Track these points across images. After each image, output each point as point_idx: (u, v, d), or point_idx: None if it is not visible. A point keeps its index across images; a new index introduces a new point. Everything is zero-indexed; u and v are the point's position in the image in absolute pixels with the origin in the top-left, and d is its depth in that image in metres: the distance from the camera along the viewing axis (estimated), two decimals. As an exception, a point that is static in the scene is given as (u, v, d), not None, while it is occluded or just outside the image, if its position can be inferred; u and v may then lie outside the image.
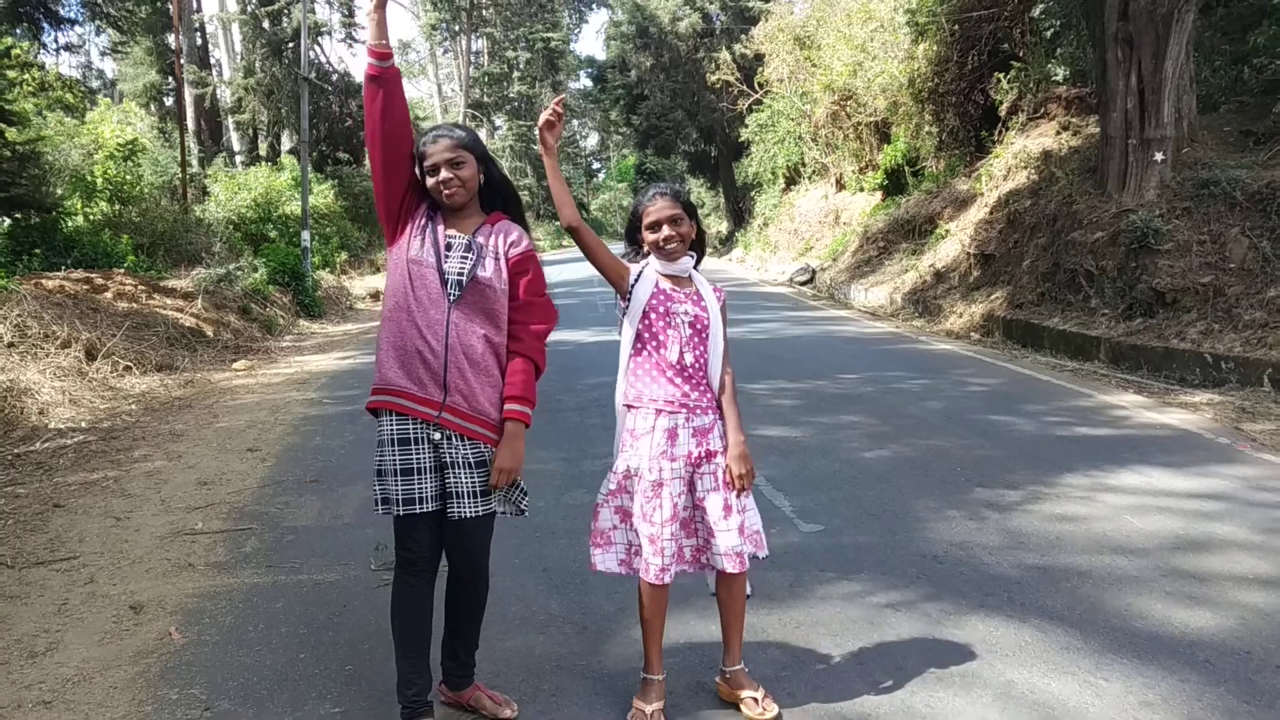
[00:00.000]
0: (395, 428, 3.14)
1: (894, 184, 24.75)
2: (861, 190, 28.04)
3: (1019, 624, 4.06)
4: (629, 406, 3.38)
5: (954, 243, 18.10)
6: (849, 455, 6.97)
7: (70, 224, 18.77)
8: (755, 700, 3.33)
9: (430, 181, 3.19)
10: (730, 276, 29.42)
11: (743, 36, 37.14)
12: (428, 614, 3.26)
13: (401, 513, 3.13)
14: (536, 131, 3.36)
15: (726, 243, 44.47)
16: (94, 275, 15.22)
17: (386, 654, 3.87)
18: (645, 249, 3.43)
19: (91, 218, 19.95)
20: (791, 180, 35.73)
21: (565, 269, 30.25)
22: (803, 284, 24.64)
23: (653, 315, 3.34)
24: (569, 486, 6.25)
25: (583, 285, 22.45)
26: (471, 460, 3.15)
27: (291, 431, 8.38)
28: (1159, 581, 4.51)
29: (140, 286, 15.31)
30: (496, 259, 3.21)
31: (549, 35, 58.81)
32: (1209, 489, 5.99)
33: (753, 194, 40.86)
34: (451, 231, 3.23)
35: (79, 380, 10.34)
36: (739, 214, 45.19)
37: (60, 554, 5.29)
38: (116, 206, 20.64)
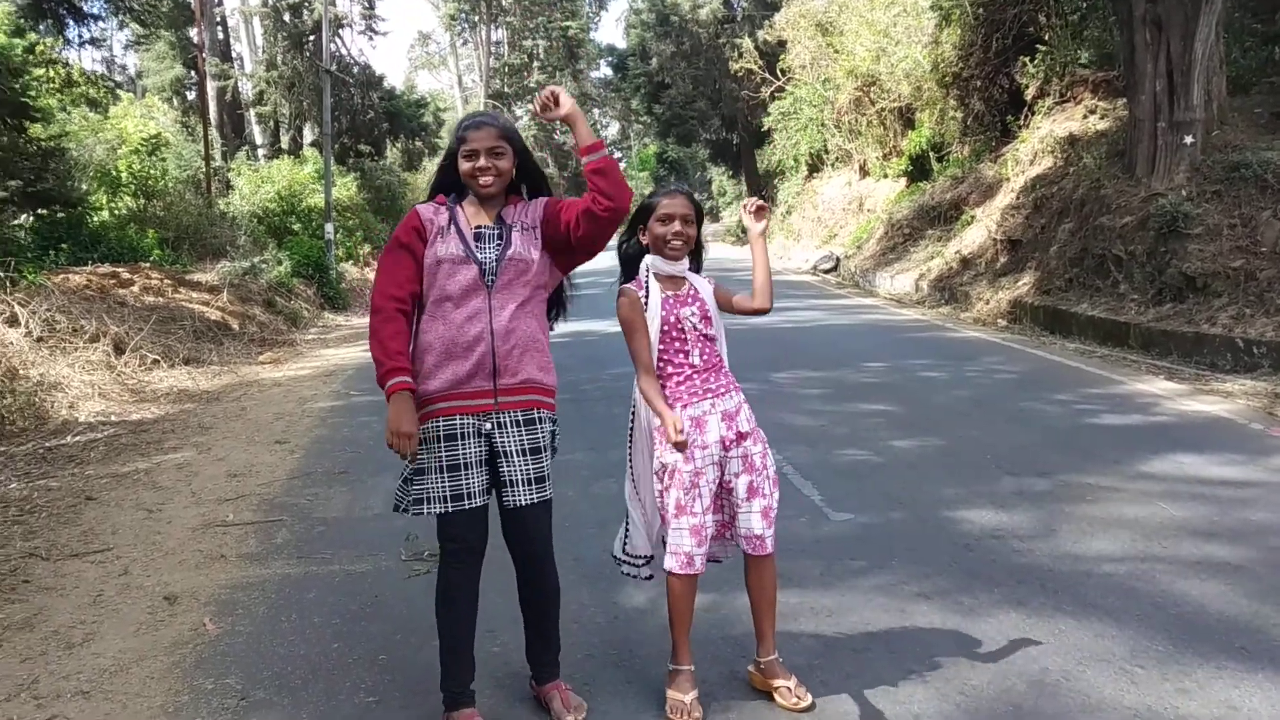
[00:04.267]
0: (442, 425, 3.13)
1: (919, 170, 24.60)
2: (885, 177, 27.89)
3: (1052, 611, 4.02)
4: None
5: (980, 229, 17.97)
6: (877, 444, 6.94)
7: (96, 219, 18.90)
8: (789, 689, 3.33)
9: (466, 166, 3.19)
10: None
11: (764, 23, 36.95)
12: (473, 606, 3.27)
13: (451, 510, 3.13)
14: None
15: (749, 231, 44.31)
16: (120, 269, 15.35)
17: (420, 644, 3.90)
18: (644, 241, 3.42)
19: (117, 212, 20.08)
20: (814, 168, 35.58)
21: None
22: (827, 272, 24.54)
23: (667, 326, 3.35)
24: (597, 476, 6.25)
25: (607, 275, 22.39)
26: (526, 447, 3.16)
27: (319, 424, 8.42)
28: (1194, 568, 4.47)
29: (166, 280, 15.41)
30: (523, 230, 3.23)
31: (568, 24, 58.71)
32: (1242, 476, 5.92)
33: (775, 182, 40.70)
34: (477, 222, 3.23)
35: (107, 374, 10.41)
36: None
37: (94, 546, 5.34)
38: (141, 201, 20.77)
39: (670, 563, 3.30)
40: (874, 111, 28.22)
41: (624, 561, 3.52)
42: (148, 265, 16.47)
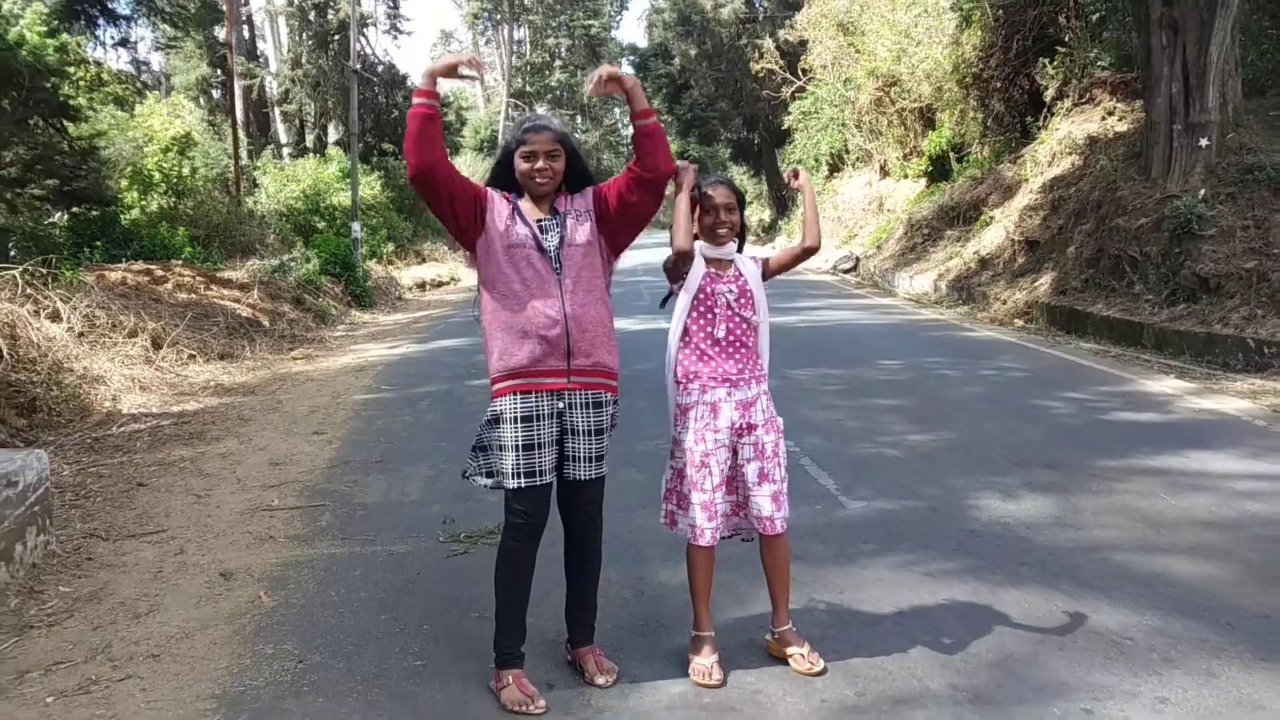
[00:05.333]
0: (520, 405, 3.43)
1: (939, 170, 24.78)
2: (906, 177, 28.06)
3: (1050, 591, 4.30)
4: (679, 383, 3.68)
5: (999, 229, 18.16)
6: (891, 437, 7.21)
7: (128, 217, 19.34)
8: (802, 655, 3.61)
9: (524, 167, 3.47)
10: (773, 264, 29.50)
11: (785, 23, 37.13)
12: (530, 574, 3.59)
13: (524, 485, 3.44)
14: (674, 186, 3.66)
15: (769, 230, 44.55)
16: (154, 266, 15.74)
17: (460, 616, 4.20)
18: (694, 230, 3.70)
19: (148, 210, 20.52)
20: (835, 167, 35.77)
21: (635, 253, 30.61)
22: (846, 272, 24.76)
23: (701, 295, 3.63)
24: (621, 466, 6.51)
25: (628, 274, 22.71)
26: (592, 428, 3.48)
27: (353, 416, 8.75)
28: (1188, 554, 4.73)
29: (198, 277, 15.79)
30: (577, 219, 3.52)
31: (590, 23, 59.05)
32: (1245, 470, 6.16)
33: (796, 181, 40.91)
34: (535, 216, 3.53)
35: (147, 368, 10.76)
36: (782, 201, 45.23)
37: (149, 528, 5.67)
38: (172, 199, 21.21)
39: (689, 535, 3.60)
40: (894, 111, 28.39)
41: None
42: (179, 263, 16.87)
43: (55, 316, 10.75)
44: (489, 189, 3.58)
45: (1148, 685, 3.46)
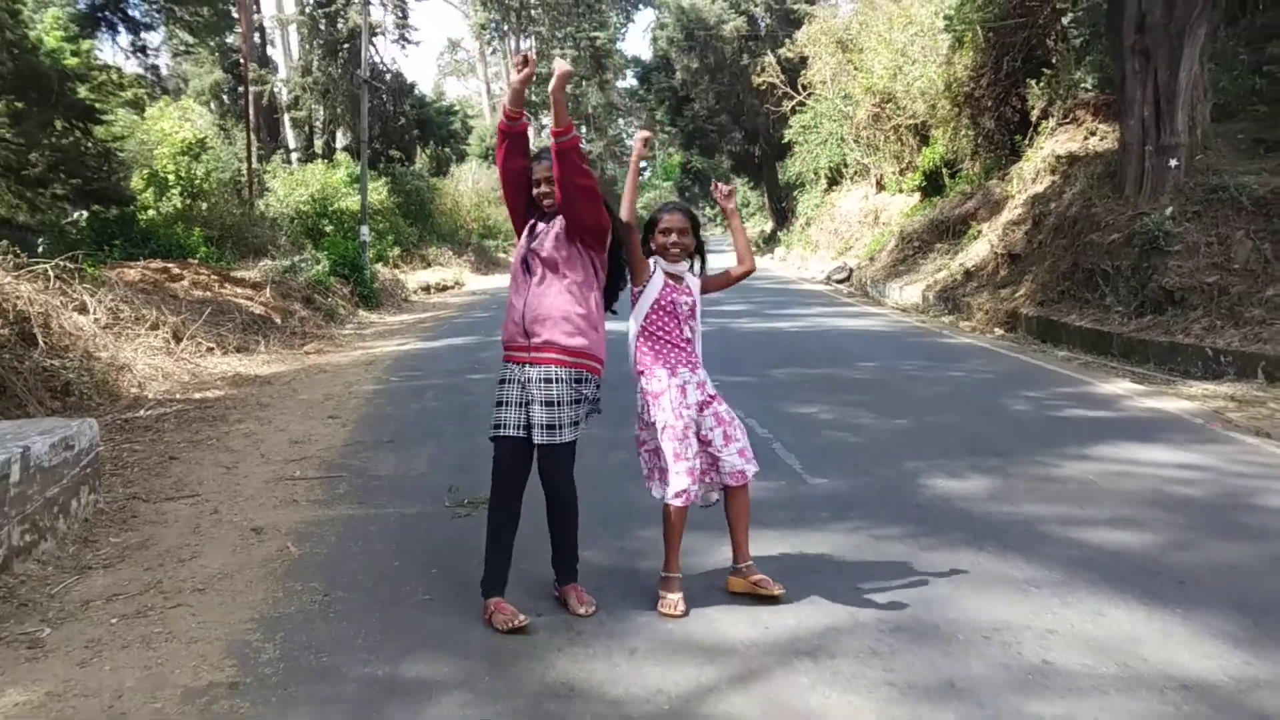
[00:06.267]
0: (503, 371, 4.29)
1: (932, 185, 25.49)
2: (901, 191, 28.77)
3: (976, 551, 4.96)
4: (640, 373, 4.39)
5: (984, 243, 18.85)
6: (856, 427, 7.88)
7: (145, 217, 20.04)
8: (768, 580, 4.33)
9: (535, 191, 4.29)
10: (770, 275, 30.22)
11: (786, 40, 37.88)
12: (512, 522, 4.29)
13: (491, 434, 4.24)
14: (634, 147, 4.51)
15: (769, 241, 45.25)
16: (170, 265, 16.42)
17: (462, 564, 4.84)
18: (654, 247, 4.38)
19: (164, 211, 21.23)
20: (834, 180, 36.50)
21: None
22: (840, 282, 25.43)
23: (664, 303, 4.35)
24: (613, 448, 7.17)
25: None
26: (545, 399, 4.16)
27: (365, 403, 9.41)
28: (1103, 525, 5.38)
29: (213, 276, 16.47)
30: (555, 236, 4.23)
31: (596, 34, 59.71)
32: (1170, 458, 6.82)
33: (795, 194, 41.66)
34: (540, 225, 4.29)
35: (168, 359, 11.44)
36: (782, 213, 45.96)
37: (185, 492, 6.32)
38: (187, 201, 21.92)
39: (673, 498, 4.26)
40: (891, 127, 29.12)
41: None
42: (195, 262, 17.55)
43: (82, 309, 11.41)
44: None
45: (1041, 621, 4.11)
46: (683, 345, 4.38)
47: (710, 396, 4.37)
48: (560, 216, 4.25)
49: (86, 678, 3.76)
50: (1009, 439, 7.42)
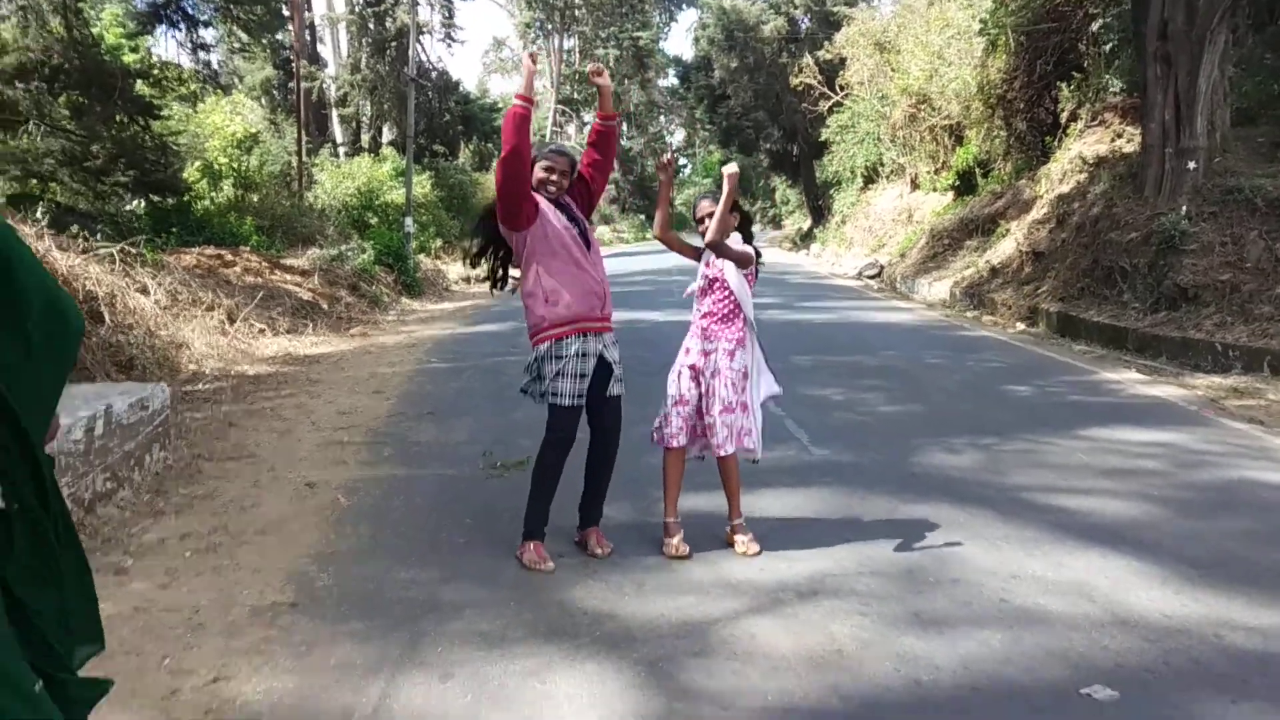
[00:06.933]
0: (580, 345, 4.65)
1: (965, 185, 25.79)
2: (935, 190, 29.08)
3: (958, 512, 5.46)
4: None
5: (1011, 241, 19.19)
6: (866, 409, 8.39)
7: (200, 206, 20.86)
8: (743, 541, 4.87)
9: (543, 175, 4.74)
10: (802, 270, 30.69)
11: (825, 42, 38.22)
12: (558, 477, 4.83)
13: (575, 404, 4.69)
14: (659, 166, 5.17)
15: (805, 238, 45.65)
16: (223, 252, 17.16)
17: (494, 518, 5.40)
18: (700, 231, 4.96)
19: (217, 201, 22.04)
20: (870, 179, 36.81)
21: (646, 259, 31.92)
22: (870, 278, 25.82)
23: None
24: (636, 423, 7.70)
25: (661, 274, 23.94)
26: (616, 358, 4.77)
27: (407, 381, 10.03)
28: (1080, 494, 5.85)
29: (264, 263, 17.21)
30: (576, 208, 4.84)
31: (639, 34, 60.29)
32: (1155, 439, 7.26)
33: (832, 192, 42.02)
34: (552, 208, 4.78)
35: (222, 338, 12.12)
36: (819, 211, 46.30)
37: (244, 454, 6.95)
38: (240, 191, 22.73)
39: (665, 440, 4.86)
40: (926, 128, 29.43)
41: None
42: (247, 250, 18.30)
43: (144, 290, 12.12)
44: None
45: (1006, 569, 4.62)
46: (697, 320, 4.96)
47: (718, 369, 4.88)
48: (569, 199, 4.80)
49: (167, 597, 4.37)
50: (1008, 421, 7.89)
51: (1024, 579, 4.49)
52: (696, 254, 5.04)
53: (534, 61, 4.79)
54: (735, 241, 4.91)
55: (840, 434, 7.41)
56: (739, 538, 4.88)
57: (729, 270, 4.93)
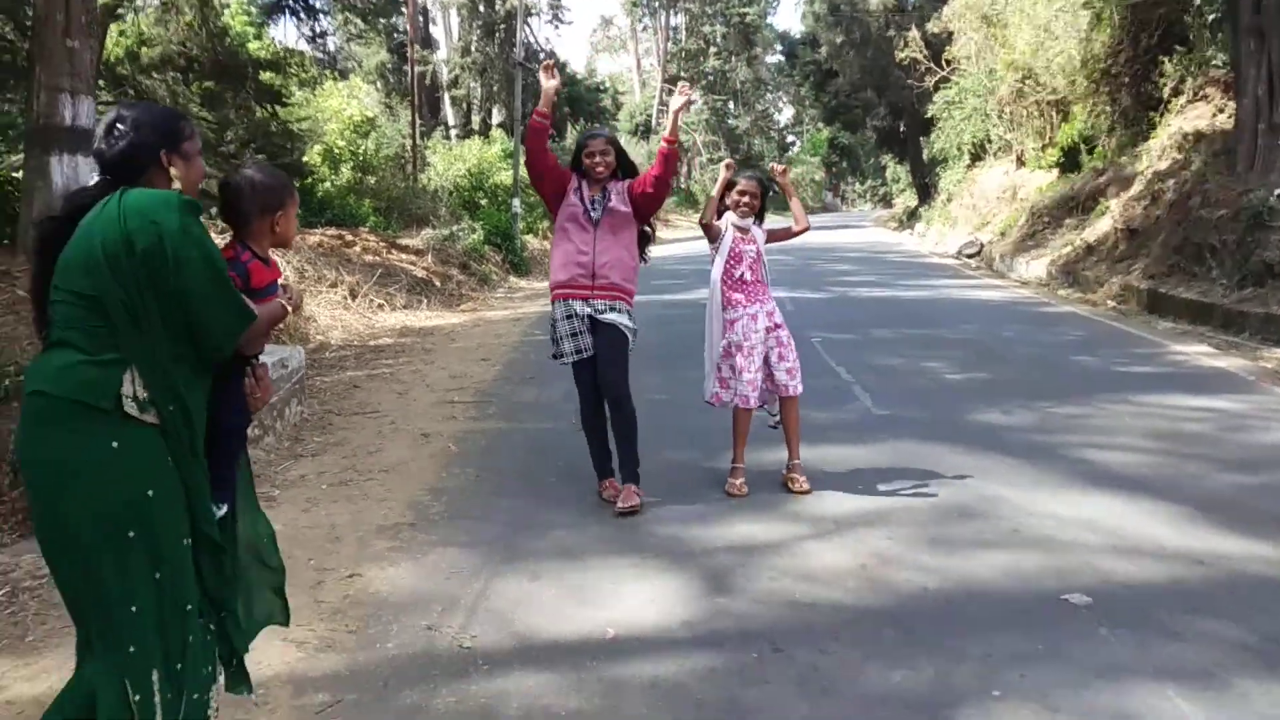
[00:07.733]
0: (563, 308, 5.37)
1: (1070, 161, 25.64)
2: (1040, 167, 28.91)
3: (994, 463, 6.08)
4: (724, 305, 5.64)
5: (1108, 219, 19.25)
6: (933, 377, 8.97)
7: (322, 188, 22.18)
8: (797, 480, 5.58)
9: (588, 161, 5.41)
10: (903, 249, 30.92)
11: (933, 15, 38.01)
12: (601, 428, 5.62)
13: (570, 359, 5.42)
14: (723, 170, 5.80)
15: (911, 217, 45.46)
16: (344, 232, 18.38)
17: (581, 463, 6.17)
18: (728, 204, 5.63)
19: (337, 184, 23.37)
20: (976, 156, 36.54)
21: (684, 246, 32.46)
22: (970, 257, 25.95)
23: (735, 253, 5.60)
24: (661, 389, 8.46)
25: (690, 262, 24.47)
26: (610, 321, 5.34)
27: (511, 350, 10.94)
28: (1115, 449, 6.40)
29: (381, 243, 18.37)
30: (619, 194, 5.42)
31: (746, 9, 60.43)
32: (1204, 405, 7.68)
33: (938, 169, 41.81)
34: (585, 187, 5.45)
35: (345, 312, 13.22)
36: (925, 189, 46.04)
37: (368, 410, 7.92)
38: (358, 174, 24.03)
39: (739, 403, 5.56)
40: (1032, 102, 29.24)
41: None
42: (365, 230, 19.51)
43: (276, 268, 13.28)
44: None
45: (1026, 506, 5.25)
46: (752, 283, 5.64)
47: (777, 324, 5.62)
48: (611, 184, 5.42)
49: (309, 519, 5.30)
50: (1066, 386, 8.37)
51: (1039, 515, 5.11)
52: (718, 235, 5.69)
53: (551, 70, 5.48)
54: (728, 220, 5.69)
55: (904, 398, 8.03)
56: (794, 475, 5.61)
57: (761, 243, 5.67)
